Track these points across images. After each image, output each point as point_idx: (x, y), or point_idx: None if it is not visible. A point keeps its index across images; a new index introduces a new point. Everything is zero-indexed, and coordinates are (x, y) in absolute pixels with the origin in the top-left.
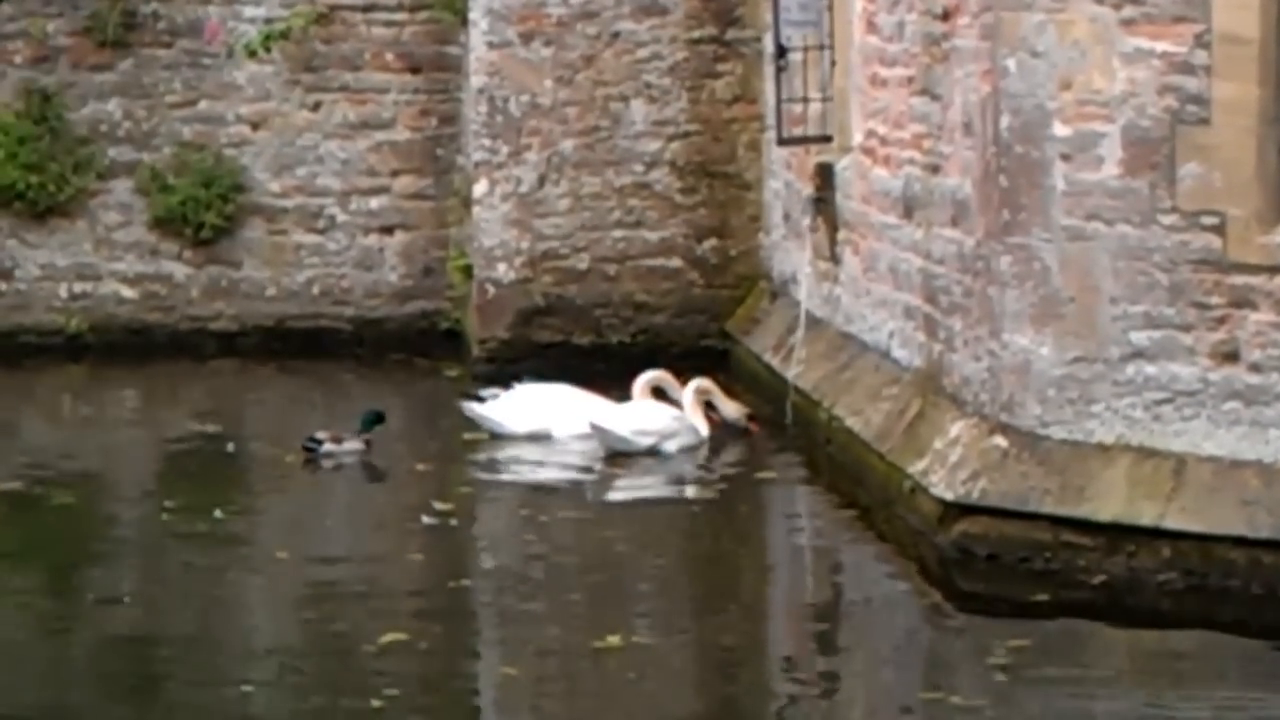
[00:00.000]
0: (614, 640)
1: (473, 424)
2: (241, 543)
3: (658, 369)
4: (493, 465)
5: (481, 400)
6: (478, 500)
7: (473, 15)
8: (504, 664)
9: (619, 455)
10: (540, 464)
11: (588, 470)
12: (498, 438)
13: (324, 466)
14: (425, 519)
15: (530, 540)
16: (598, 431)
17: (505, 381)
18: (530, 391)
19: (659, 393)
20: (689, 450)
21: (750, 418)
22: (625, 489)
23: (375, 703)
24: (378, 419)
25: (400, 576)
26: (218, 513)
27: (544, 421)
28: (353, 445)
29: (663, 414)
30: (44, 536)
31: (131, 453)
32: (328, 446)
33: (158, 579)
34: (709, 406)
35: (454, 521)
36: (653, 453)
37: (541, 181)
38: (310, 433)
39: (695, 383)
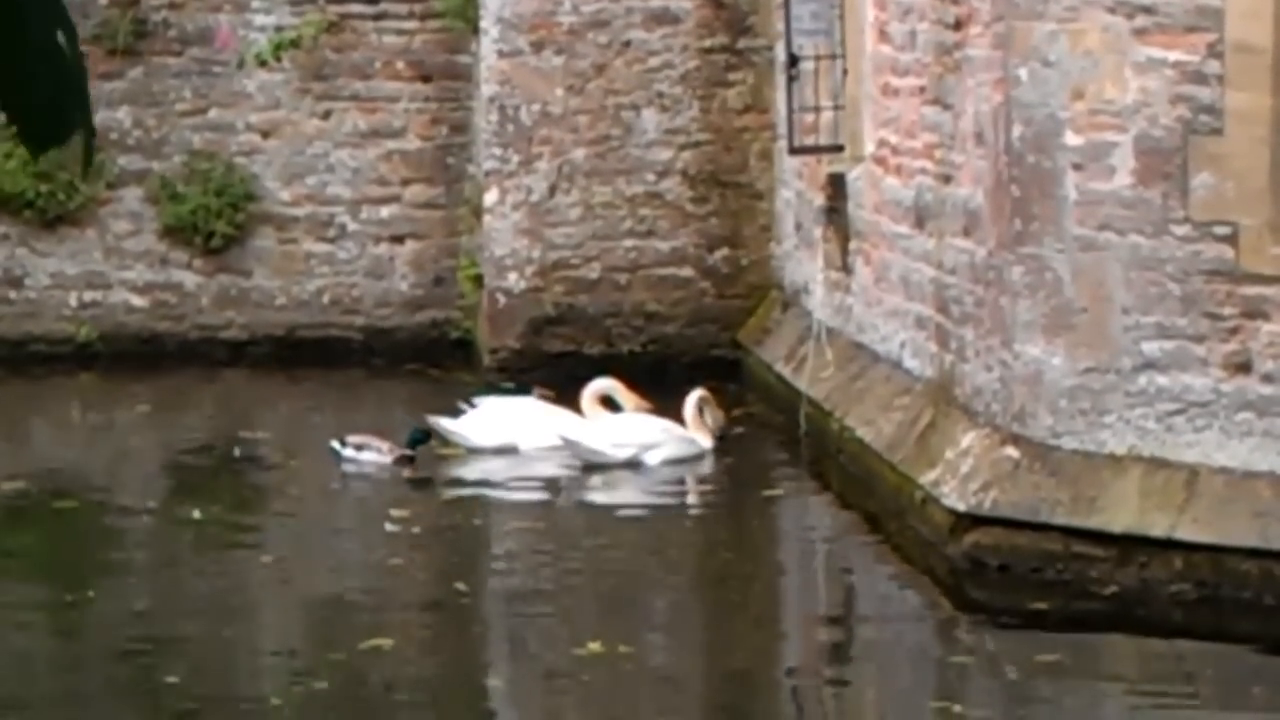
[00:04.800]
0: (621, 649)
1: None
2: (227, 546)
3: (605, 377)
4: (478, 476)
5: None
6: (459, 510)
7: (484, 24)
8: (505, 674)
9: (599, 467)
10: (529, 475)
11: (591, 481)
12: (474, 452)
13: (346, 471)
14: (388, 526)
15: (532, 552)
16: (569, 445)
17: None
18: (496, 406)
19: (608, 401)
20: (678, 463)
21: (728, 422)
22: (630, 499)
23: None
24: (425, 437)
25: (389, 584)
26: (196, 513)
27: (510, 436)
28: (374, 456)
29: (648, 426)
30: (42, 539)
31: (138, 460)
32: (349, 451)
33: (136, 579)
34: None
35: (416, 529)
36: (632, 465)
37: (552, 190)
38: (337, 435)
39: (695, 394)
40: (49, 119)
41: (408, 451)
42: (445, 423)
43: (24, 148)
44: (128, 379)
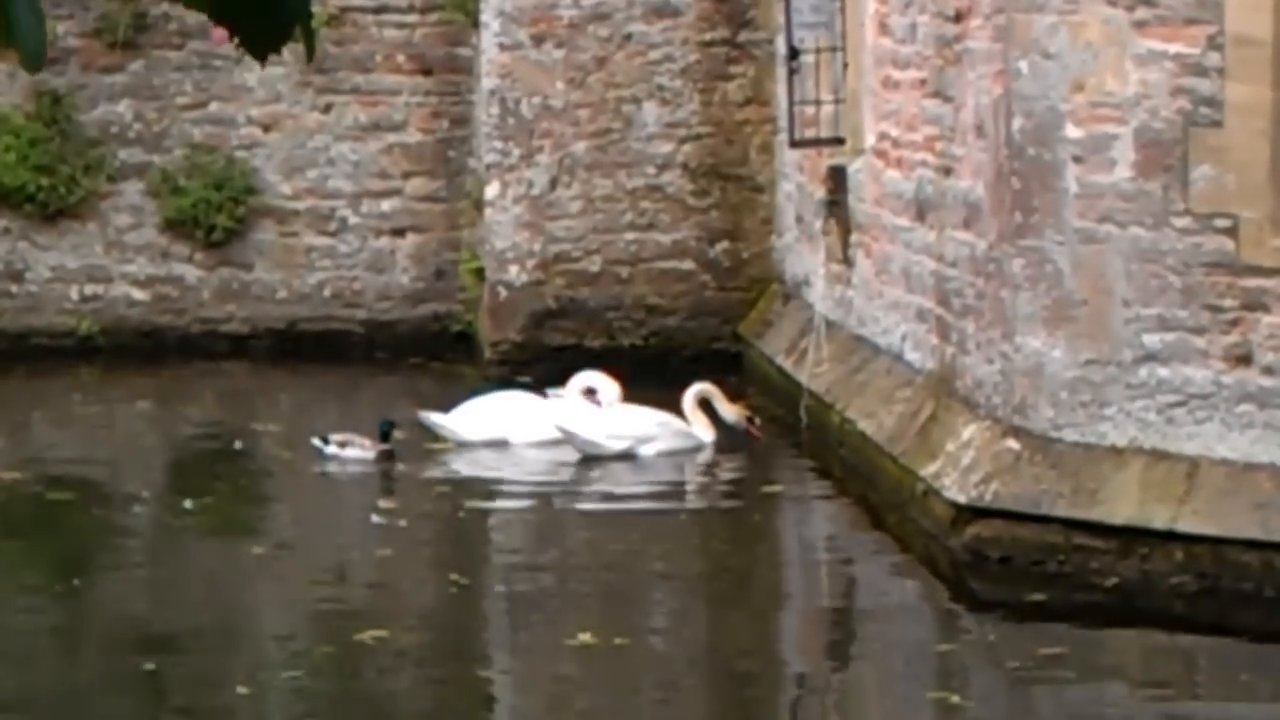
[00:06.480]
0: (616, 641)
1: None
2: (220, 537)
3: (591, 370)
4: (470, 469)
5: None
6: (451, 502)
7: (484, 17)
8: (501, 664)
9: (594, 460)
10: (522, 468)
11: (587, 475)
12: (464, 446)
13: (329, 469)
14: (375, 518)
15: (527, 546)
16: (566, 435)
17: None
18: (487, 400)
19: (592, 393)
20: (675, 455)
21: (750, 420)
22: (628, 493)
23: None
24: (393, 426)
25: (384, 576)
26: (187, 503)
27: (500, 430)
28: (358, 453)
29: (644, 418)
30: (37, 530)
31: (137, 453)
32: (332, 449)
33: (128, 570)
34: (707, 409)
35: (402, 522)
36: (628, 457)
37: (553, 184)
38: (322, 432)
39: (695, 387)
40: (267, 23)
41: (384, 446)
42: (435, 417)
43: (249, 54)
44: (129, 372)
